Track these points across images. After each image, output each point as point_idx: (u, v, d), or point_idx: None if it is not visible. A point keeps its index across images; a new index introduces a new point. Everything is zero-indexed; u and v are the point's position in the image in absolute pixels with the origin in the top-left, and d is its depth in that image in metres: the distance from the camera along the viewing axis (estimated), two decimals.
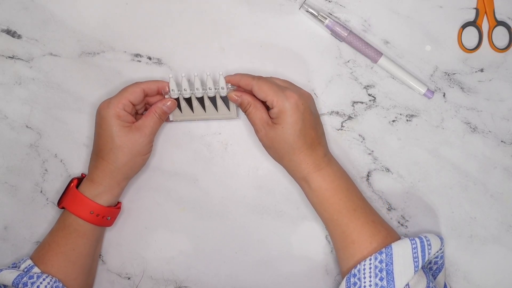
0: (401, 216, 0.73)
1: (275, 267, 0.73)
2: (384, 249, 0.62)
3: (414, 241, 0.63)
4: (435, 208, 0.72)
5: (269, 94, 0.64)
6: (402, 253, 0.61)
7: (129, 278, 0.74)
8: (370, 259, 0.62)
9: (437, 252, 0.66)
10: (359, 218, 0.65)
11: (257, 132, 0.67)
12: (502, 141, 0.72)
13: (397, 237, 0.65)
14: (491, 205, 0.72)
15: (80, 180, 0.70)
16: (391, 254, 0.61)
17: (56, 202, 0.72)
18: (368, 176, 0.73)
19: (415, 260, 0.61)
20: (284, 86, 0.66)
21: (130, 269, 0.73)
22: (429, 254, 0.63)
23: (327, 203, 0.65)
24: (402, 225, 0.73)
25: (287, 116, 0.63)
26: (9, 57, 0.73)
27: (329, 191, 0.65)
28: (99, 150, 0.67)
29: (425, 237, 0.64)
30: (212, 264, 0.73)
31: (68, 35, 0.73)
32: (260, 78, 0.66)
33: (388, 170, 0.73)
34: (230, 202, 0.73)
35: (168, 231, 0.74)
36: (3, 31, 0.73)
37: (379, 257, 0.61)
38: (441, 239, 0.66)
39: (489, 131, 0.72)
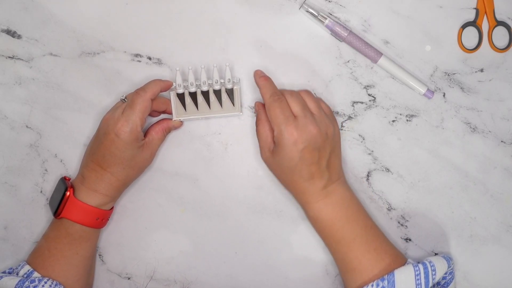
0: (401, 216, 0.73)
1: (275, 267, 0.73)
2: (386, 276, 0.62)
3: (417, 268, 0.63)
4: (435, 208, 0.72)
5: (274, 123, 0.65)
6: (405, 280, 0.62)
7: (129, 278, 0.74)
8: (372, 285, 0.62)
9: (448, 269, 0.66)
10: (359, 248, 0.65)
11: (261, 152, 0.69)
12: (502, 141, 0.72)
13: (403, 263, 0.65)
14: (491, 205, 0.72)
15: (71, 186, 0.67)
16: (393, 281, 0.61)
17: (49, 210, 0.70)
18: (368, 176, 0.73)
19: (418, 287, 0.61)
20: (297, 116, 0.64)
21: (130, 269, 0.73)
22: (433, 279, 0.63)
23: (324, 231, 0.66)
24: (402, 225, 0.73)
25: (283, 151, 0.64)
26: (9, 57, 0.73)
27: (326, 222, 0.66)
28: (104, 163, 0.66)
29: (430, 262, 0.64)
30: (212, 264, 0.73)
31: (68, 35, 0.73)
32: (277, 98, 0.65)
33: (388, 170, 0.73)
34: (230, 202, 0.73)
35: (168, 231, 0.74)
36: (3, 31, 0.73)
37: (381, 284, 0.62)
38: (448, 260, 0.66)
39: (489, 131, 0.72)
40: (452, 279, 0.66)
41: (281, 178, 0.67)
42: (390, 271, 0.63)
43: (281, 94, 0.66)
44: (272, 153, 0.66)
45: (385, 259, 0.64)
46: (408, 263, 0.64)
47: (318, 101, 0.69)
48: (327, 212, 0.65)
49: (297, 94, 0.67)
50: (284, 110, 0.64)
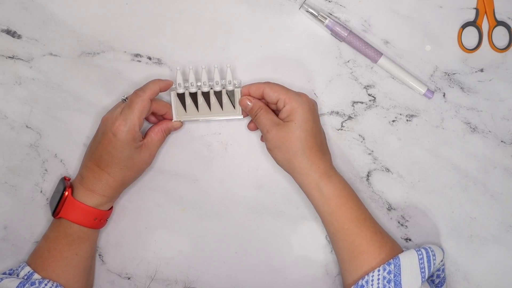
0: (401, 216, 0.73)
1: (274, 267, 0.73)
2: (392, 259, 0.62)
3: (420, 252, 0.63)
4: (435, 208, 0.72)
5: (281, 93, 0.66)
6: (410, 264, 0.62)
7: (129, 278, 0.74)
8: (379, 270, 0.62)
9: (439, 263, 0.66)
10: (369, 228, 0.65)
11: (266, 133, 0.66)
12: (502, 141, 0.72)
13: (400, 248, 0.66)
14: (491, 205, 0.72)
15: (70, 186, 0.68)
16: (399, 265, 0.62)
17: (49, 210, 0.70)
18: (368, 176, 0.73)
19: (422, 270, 0.62)
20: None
21: (130, 269, 0.73)
22: (434, 264, 0.63)
23: (339, 211, 0.65)
24: (402, 225, 0.73)
25: (300, 113, 0.64)
26: (9, 57, 0.73)
27: (341, 199, 0.65)
28: (101, 163, 0.66)
29: (429, 247, 0.64)
30: (212, 264, 0.73)
31: (68, 35, 0.73)
32: (270, 82, 0.68)
33: (388, 170, 0.73)
34: (230, 202, 0.73)
35: (168, 231, 0.74)
36: (3, 31, 0.73)
37: (387, 268, 0.61)
38: (442, 250, 0.67)
39: (489, 131, 0.72)
40: (445, 278, 0.67)
41: (294, 149, 0.64)
42: (393, 255, 0.63)
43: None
44: (282, 125, 0.65)
45: (388, 242, 0.65)
46: (409, 249, 0.65)
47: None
48: (341, 188, 0.65)
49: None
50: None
